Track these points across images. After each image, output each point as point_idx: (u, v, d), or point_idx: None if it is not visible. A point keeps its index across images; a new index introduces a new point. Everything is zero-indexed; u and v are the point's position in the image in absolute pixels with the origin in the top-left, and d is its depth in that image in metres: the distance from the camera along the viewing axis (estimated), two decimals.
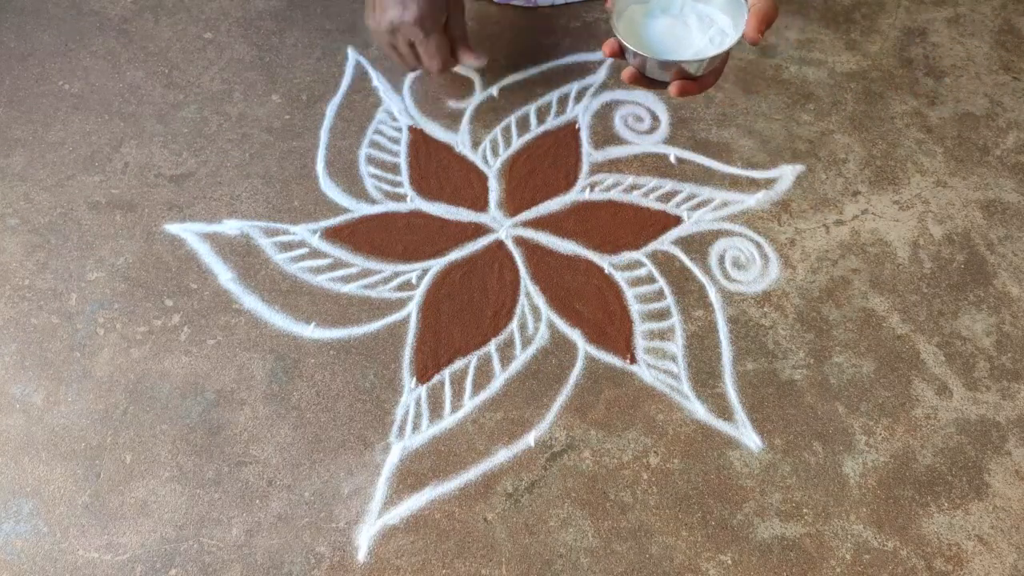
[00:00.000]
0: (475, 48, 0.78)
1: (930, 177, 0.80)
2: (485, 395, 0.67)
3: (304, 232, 0.76)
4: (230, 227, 0.76)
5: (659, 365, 0.69)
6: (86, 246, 0.74)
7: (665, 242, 0.75)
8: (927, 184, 0.80)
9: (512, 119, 0.83)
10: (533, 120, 0.83)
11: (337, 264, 0.74)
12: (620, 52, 0.59)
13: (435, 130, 0.82)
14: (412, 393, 0.67)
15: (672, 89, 0.59)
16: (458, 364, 0.69)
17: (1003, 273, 0.74)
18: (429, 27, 0.72)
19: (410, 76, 0.85)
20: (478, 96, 0.85)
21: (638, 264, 0.74)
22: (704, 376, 0.68)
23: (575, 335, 0.70)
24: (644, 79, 0.61)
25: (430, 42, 0.73)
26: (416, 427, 0.66)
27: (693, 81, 0.59)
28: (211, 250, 0.74)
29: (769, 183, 0.79)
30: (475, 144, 0.82)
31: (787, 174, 0.80)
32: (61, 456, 0.64)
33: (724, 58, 0.59)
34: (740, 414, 0.66)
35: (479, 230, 0.76)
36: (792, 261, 0.74)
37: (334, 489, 0.63)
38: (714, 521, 0.62)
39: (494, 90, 0.85)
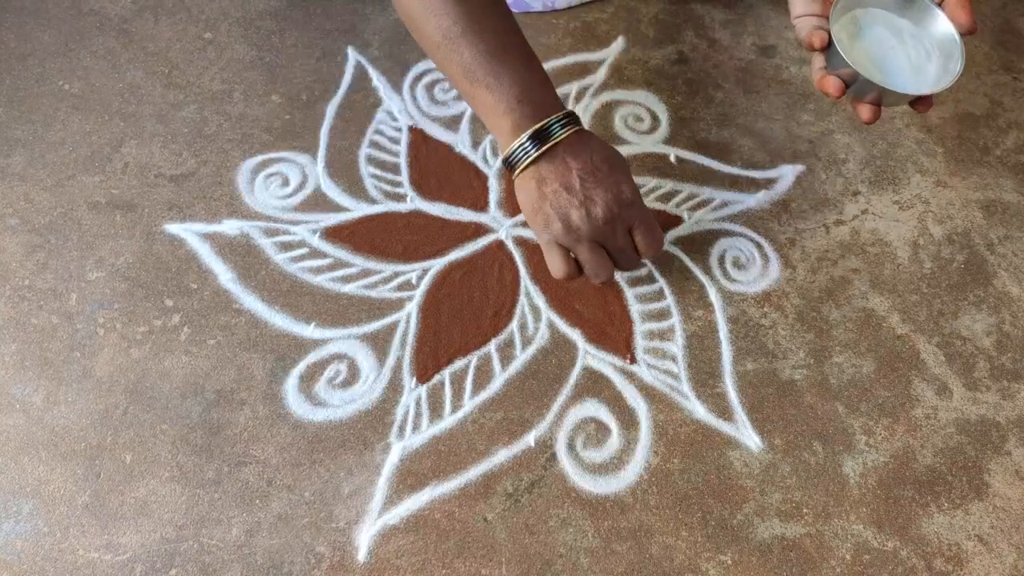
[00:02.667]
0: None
1: (930, 177, 0.80)
2: (485, 395, 0.67)
3: (304, 232, 0.76)
4: (230, 227, 0.76)
5: (659, 365, 0.69)
6: (86, 246, 0.74)
7: (665, 242, 0.75)
8: (927, 184, 0.80)
9: None
10: None
11: (337, 264, 0.74)
12: (844, 86, 0.58)
13: (435, 130, 0.82)
14: (412, 393, 0.67)
15: (920, 107, 0.59)
16: (458, 364, 0.69)
17: (1003, 273, 0.74)
18: (623, 231, 0.61)
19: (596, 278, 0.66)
20: None
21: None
22: (704, 376, 0.68)
23: (575, 335, 0.70)
24: (856, 94, 0.59)
25: (652, 220, 0.63)
26: (416, 427, 0.66)
27: (925, 101, 0.58)
28: (211, 250, 0.74)
29: (769, 183, 0.79)
30: (475, 144, 0.82)
31: (787, 174, 0.80)
32: (61, 456, 0.64)
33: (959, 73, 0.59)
34: (740, 414, 0.66)
35: (479, 230, 0.76)
36: (792, 261, 0.74)
37: (334, 489, 0.63)
38: (714, 521, 0.62)
39: None
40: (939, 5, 0.59)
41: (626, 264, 0.65)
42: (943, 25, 0.59)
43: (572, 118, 0.62)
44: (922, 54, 0.59)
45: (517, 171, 0.62)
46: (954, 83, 0.57)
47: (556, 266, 0.63)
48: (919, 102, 0.59)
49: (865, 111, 0.59)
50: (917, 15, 0.60)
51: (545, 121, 0.61)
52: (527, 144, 0.61)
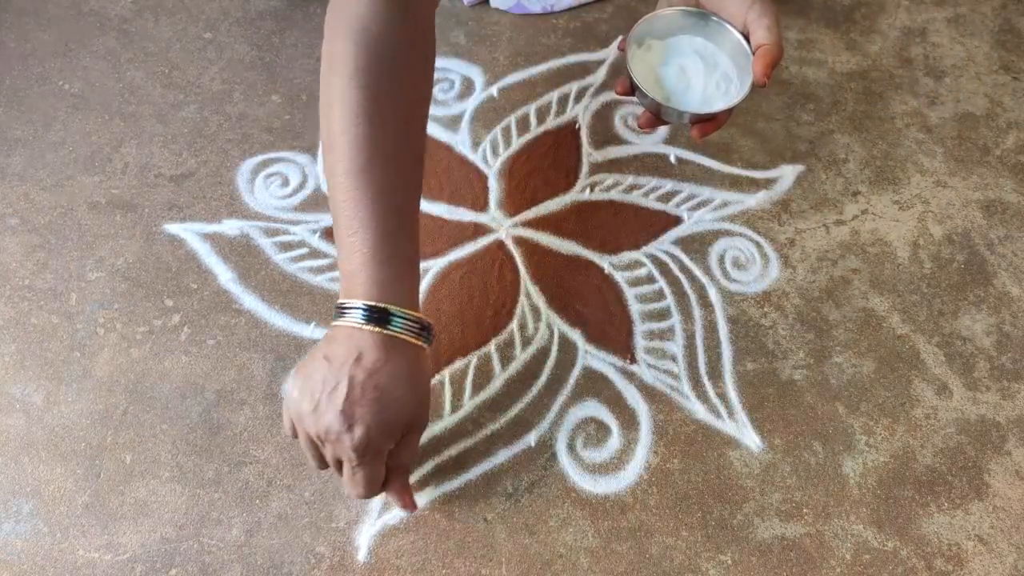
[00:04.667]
0: (409, 488, 0.60)
1: (930, 177, 0.80)
2: (485, 395, 0.67)
3: (304, 232, 0.76)
4: (230, 227, 0.76)
5: (659, 365, 0.69)
6: (86, 246, 0.74)
7: (665, 242, 0.75)
8: (927, 184, 0.80)
9: (512, 119, 0.83)
10: (533, 120, 0.83)
11: (337, 264, 0.74)
12: (631, 91, 0.62)
13: (435, 130, 0.82)
14: None
15: (695, 133, 0.60)
16: (458, 364, 0.69)
17: (1003, 273, 0.74)
18: (369, 459, 0.54)
19: None
20: (478, 96, 0.85)
21: (638, 264, 0.74)
22: (704, 376, 0.68)
23: (575, 335, 0.70)
24: (659, 120, 0.63)
25: (362, 471, 0.54)
26: None
27: (711, 122, 0.60)
28: (211, 250, 0.74)
29: (769, 183, 0.79)
30: (475, 144, 0.82)
31: (787, 174, 0.80)
32: (61, 456, 0.64)
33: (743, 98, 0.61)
34: (740, 414, 0.66)
35: (479, 230, 0.76)
36: (792, 261, 0.74)
37: (334, 489, 0.63)
38: (714, 521, 0.62)
39: (494, 90, 0.85)
40: (746, 38, 0.60)
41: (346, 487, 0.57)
42: (739, 45, 0.61)
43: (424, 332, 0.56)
44: (719, 74, 0.62)
45: (341, 321, 0.55)
46: (740, 100, 0.59)
47: (284, 420, 0.57)
48: (707, 121, 0.61)
49: (695, 131, 0.61)
50: (713, 34, 0.62)
51: (406, 313, 0.55)
52: (367, 312, 0.54)
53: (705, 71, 0.61)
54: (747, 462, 0.64)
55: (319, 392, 0.53)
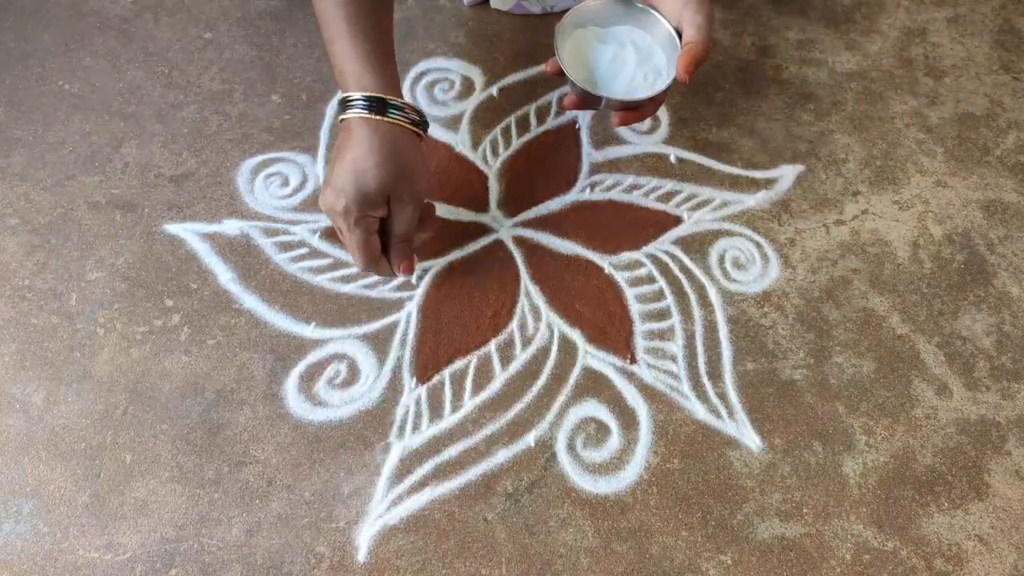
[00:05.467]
0: (412, 256, 0.67)
1: (930, 177, 0.80)
2: (485, 395, 0.67)
3: (304, 232, 0.76)
4: (230, 227, 0.76)
5: (659, 365, 0.69)
6: (86, 246, 0.74)
7: (665, 242, 0.75)
8: (927, 184, 0.80)
9: (512, 119, 0.83)
10: (533, 120, 0.83)
11: (337, 264, 0.74)
12: (561, 71, 0.63)
13: (435, 130, 0.82)
14: (412, 393, 0.67)
15: (615, 120, 0.62)
16: (458, 364, 0.69)
17: (1003, 273, 0.74)
18: (353, 224, 0.62)
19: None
20: (478, 96, 0.85)
21: (638, 264, 0.74)
22: (704, 376, 0.68)
23: (575, 335, 0.70)
24: (584, 103, 0.65)
25: (349, 236, 0.63)
26: (416, 427, 0.66)
27: (634, 112, 0.62)
28: (211, 250, 0.74)
29: (769, 183, 0.79)
30: (475, 144, 0.82)
31: (787, 174, 0.80)
32: (61, 456, 0.64)
33: (663, 91, 0.62)
34: (740, 414, 0.66)
35: (479, 230, 0.76)
36: (792, 261, 0.74)
37: (334, 489, 0.63)
38: (714, 521, 0.62)
39: (494, 90, 0.85)
40: (678, 33, 0.62)
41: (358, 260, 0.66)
42: (672, 41, 0.62)
43: (418, 120, 0.65)
44: (650, 66, 0.63)
45: (346, 114, 0.63)
46: (658, 94, 0.60)
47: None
48: (630, 110, 0.62)
49: (615, 118, 0.63)
50: (651, 27, 0.63)
51: (403, 103, 0.63)
52: (366, 102, 0.62)
53: (637, 62, 0.62)
54: (747, 462, 0.64)
55: (328, 179, 0.63)
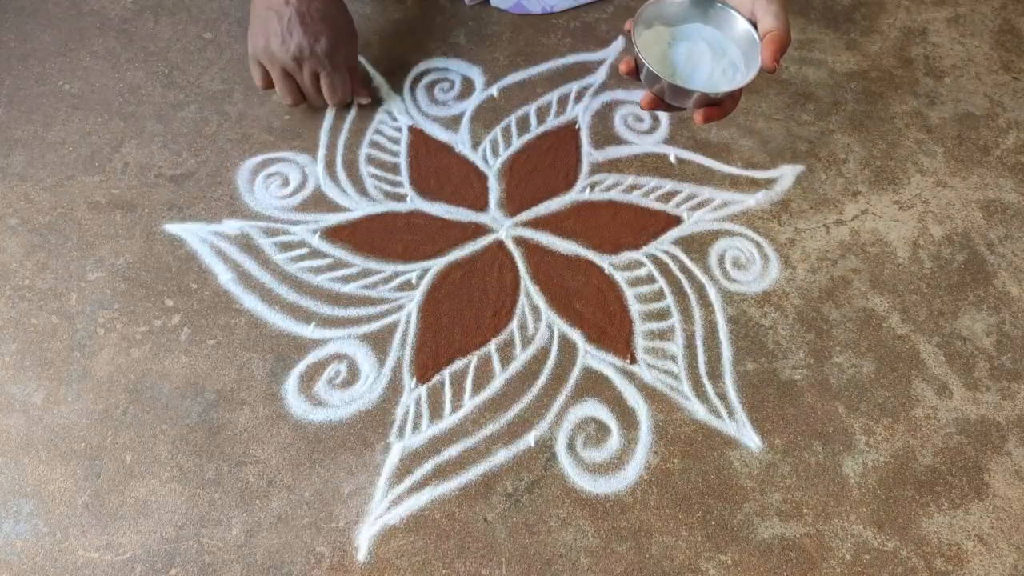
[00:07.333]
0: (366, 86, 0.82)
1: (930, 177, 0.80)
2: (485, 395, 0.67)
3: (304, 232, 0.76)
4: (230, 227, 0.76)
5: (659, 365, 0.69)
6: (86, 246, 0.74)
7: (665, 242, 0.75)
8: (927, 184, 0.80)
9: (512, 119, 0.83)
10: (533, 120, 0.83)
11: (337, 264, 0.74)
12: (636, 71, 0.61)
13: (435, 130, 0.82)
14: (412, 393, 0.67)
15: (698, 117, 0.60)
16: (458, 364, 0.69)
17: (1003, 273, 0.74)
18: (339, 62, 0.73)
19: (285, 103, 0.80)
20: (478, 96, 0.85)
21: (638, 264, 0.74)
22: (704, 376, 0.68)
23: (575, 335, 0.70)
24: (663, 103, 0.62)
25: (337, 76, 0.75)
26: (416, 427, 0.66)
27: (716, 107, 0.60)
28: (211, 250, 0.74)
29: (769, 183, 0.79)
30: (475, 144, 0.82)
31: (787, 174, 0.80)
32: (61, 456, 0.64)
33: (747, 83, 0.60)
34: (740, 414, 0.66)
35: (479, 230, 0.76)
36: (792, 261, 0.74)
37: (334, 489, 0.63)
38: (714, 521, 0.62)
39: (494, 90, 0.85)
40: (754, 26, 0.60)
41: (312, 101, 0.79)
42: (747, 33, 0.61)
43: None
44: (727, 62, 0.61)
45: None
46: (746, 83, 0.59)
47: (254, 76, 0.77)
48: (712, 105, 0.60)
49: (697, 115, 0.61)
50: (722, 23, 0.62)
51: None
52: None
53: (713, 58, 0.61)
54: (747, 462, 0.64)
55: (279, 29, 0.71)
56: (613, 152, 0.81)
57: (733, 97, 0.61)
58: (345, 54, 0.76)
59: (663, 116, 0.83)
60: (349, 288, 0.72)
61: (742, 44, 0.61)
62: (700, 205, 0.78)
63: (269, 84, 0.77)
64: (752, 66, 0.59)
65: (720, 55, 0.62)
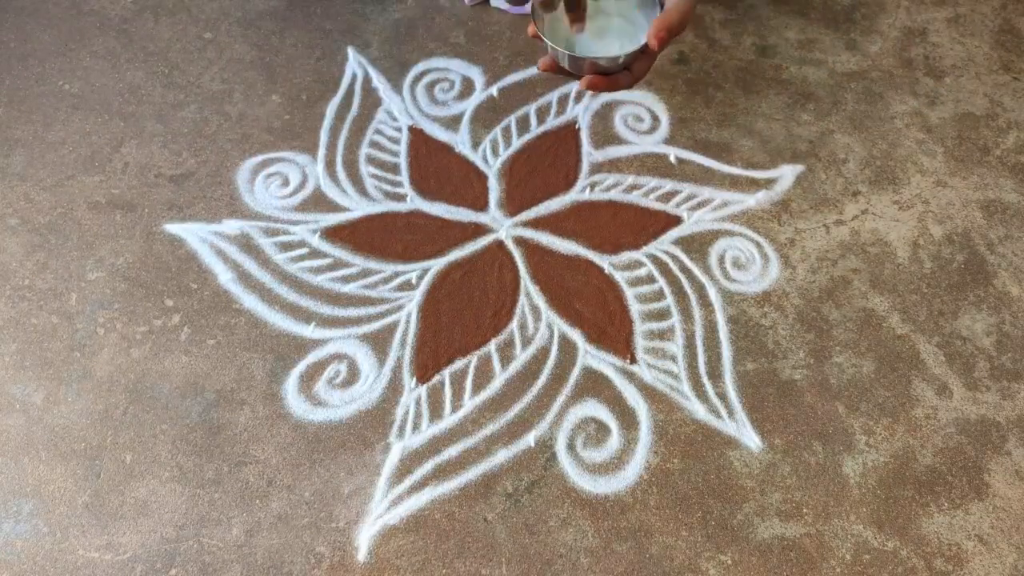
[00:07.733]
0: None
1: (930, 177, 0.80)
2: (485, 395, 0.67)
3: (304, 232, 0.76)
4: (230, 227, 0.76)
5: (659, 365, 0.69)
6: (86, 246, 0.74)
7: (665, 242, 0.75)
8: (927, 184, 0.80)
9: (512, 119, 0.83)
10: (533, 120, 0.83)
11: (337, 264, 0.74)
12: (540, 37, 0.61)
13: (435, 130, 0.82)
14: (412, 393, 0.67)
15: (581, 83, 0.60)
16: (458, 364, 0.69)
17: (1003, 273, 0.74)
18: None
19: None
20: (478, 96, 0.85)
21: (638, 264, 0.74)
22: (704, 376, 0.68)
23: (575, 335, 0.70)
24: (560, 69, 0.62)
25: None
26: (416, 427, 0.66)
27: (606, 78, 0.60)
28: (211, 250, 0.74)
29: (769, 183, 0.79)
30: (475, 144, 0.82)
31: (787, 174, 0.80)
32: (61, 456, 0.64)
33: (646, 62, 0.60)
34: (740, 414, 0.66)
35: (479, 230, 0.76)
36: (792, 261, 0.74)
37: (334, 489, 0.63)
38: (714, 521, 0.62)
39: (494, 90, 0.85)
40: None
41: None
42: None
43: None
44: (625, 30, 0.62)
45: None
46: (621, 58, 0.58)
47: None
48: (606, 74, 0.60)
49: (582, 82, 0.60)
50: (648, 3, 0.62)
51: None
52: None
53: (621, 34, 0.62)
54: (747, 462, 0.64)
55: None
56: (613, 152, 0.81)
57: (632, 73, 0.60)
58: None
59: (663, 116, 0.83)
60: (349, 288, 0.72)
61: (648, 19, 0.62)
62: (700, 205, 0.78)
63: None
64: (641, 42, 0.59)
65: (631, 33, 0.62)
